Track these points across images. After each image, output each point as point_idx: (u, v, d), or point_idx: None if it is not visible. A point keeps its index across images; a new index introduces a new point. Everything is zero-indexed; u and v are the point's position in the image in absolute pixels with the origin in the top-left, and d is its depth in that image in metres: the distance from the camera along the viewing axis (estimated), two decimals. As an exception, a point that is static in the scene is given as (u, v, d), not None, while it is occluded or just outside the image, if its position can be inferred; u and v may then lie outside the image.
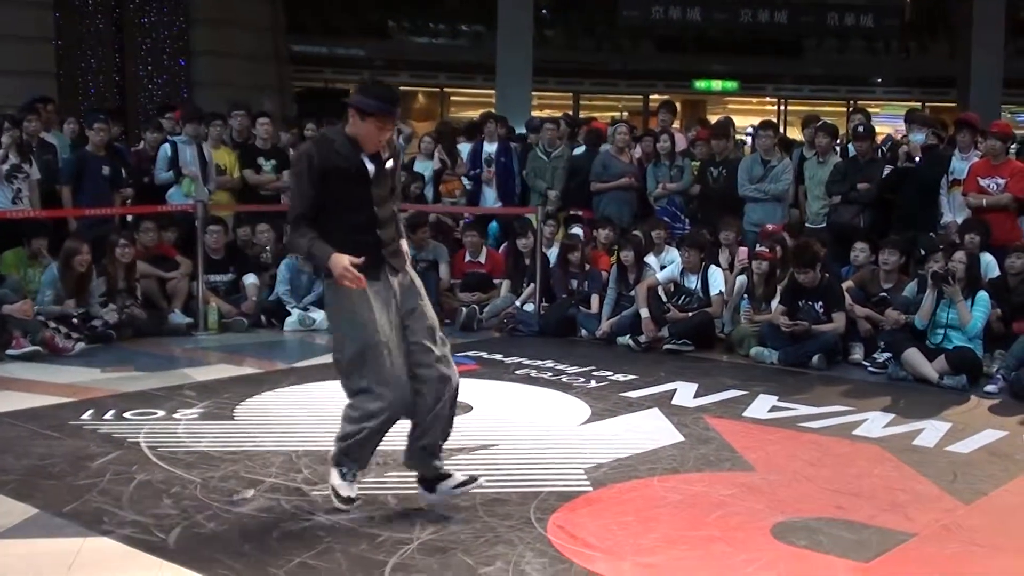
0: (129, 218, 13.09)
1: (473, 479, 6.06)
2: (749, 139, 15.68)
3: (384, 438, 5.88)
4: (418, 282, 6.03)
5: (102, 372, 9.68)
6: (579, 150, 14.25)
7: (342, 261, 5.55)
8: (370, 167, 5.79)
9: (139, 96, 21.35)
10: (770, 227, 11.93)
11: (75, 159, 12.74)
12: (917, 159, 11.72)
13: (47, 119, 13.63)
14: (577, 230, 12.98)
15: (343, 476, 5.80)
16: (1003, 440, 7.86)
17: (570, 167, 13.84)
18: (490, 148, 14.11)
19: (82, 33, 20.71)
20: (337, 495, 5.77)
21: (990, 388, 9.50)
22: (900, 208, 11.77)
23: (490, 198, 14.12)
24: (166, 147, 13.13)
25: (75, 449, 7.07)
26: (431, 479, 6.01)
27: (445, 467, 6.05)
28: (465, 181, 14.32)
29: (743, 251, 11.29)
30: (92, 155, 12.57)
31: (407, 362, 5.79)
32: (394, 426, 5.81)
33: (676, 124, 15.92)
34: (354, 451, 5.80)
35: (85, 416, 7.93)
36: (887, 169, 11.81)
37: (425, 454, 5.96)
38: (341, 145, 5.77)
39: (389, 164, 5.89)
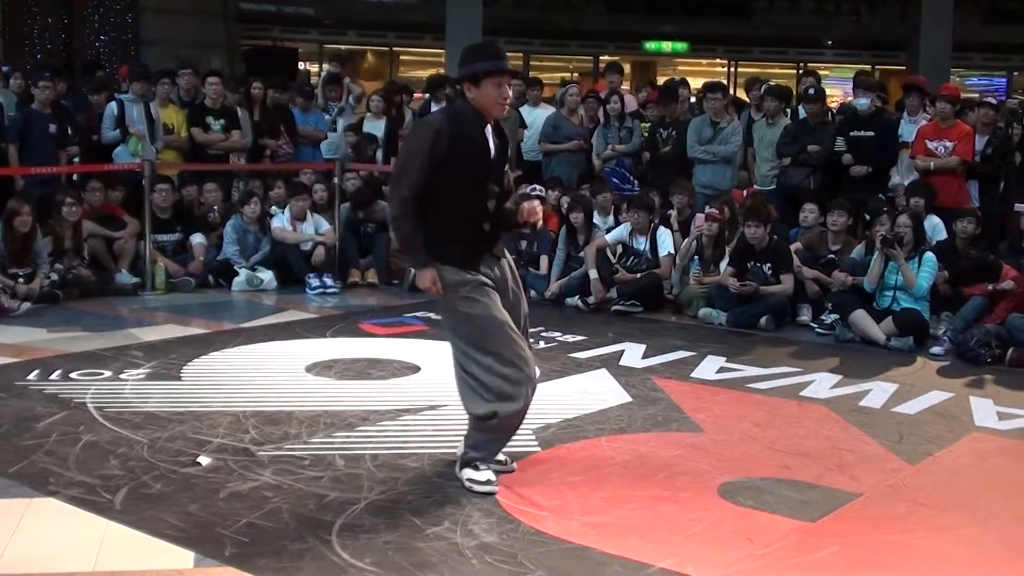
0: (75, 177, 12.98)
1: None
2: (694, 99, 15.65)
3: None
4: (512, 267, 5.98)
5: (48, 332, 9.58)
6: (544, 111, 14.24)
7: (428, 277, 5.65)
8: (492, 146, 5.66)
9: (86, 54, 21.11)
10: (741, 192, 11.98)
11: (21, 117, 12.61)
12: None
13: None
14: (528, 190, 12.95)
15: (476, 468, 5.72)
16: (949, 401, 7.94)
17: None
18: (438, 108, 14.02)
19: (29, -11, 20.54)
20: (476, 482, 5.67)
21: (936, 350, 9.57)
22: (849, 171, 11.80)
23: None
24: (112, 105, 12.97)
25: (21, 410, 7.01)
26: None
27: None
28: None
29: (700, 217, 11.30)
30: (38, 113, 12.46)
31: None
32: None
33: (626, 85, 15.90)
34: (482, 447, 5.79)
35: (31, 376, 7.85)
36: (839, 141, 11.78)
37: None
38: (473, 121, 5.61)
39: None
